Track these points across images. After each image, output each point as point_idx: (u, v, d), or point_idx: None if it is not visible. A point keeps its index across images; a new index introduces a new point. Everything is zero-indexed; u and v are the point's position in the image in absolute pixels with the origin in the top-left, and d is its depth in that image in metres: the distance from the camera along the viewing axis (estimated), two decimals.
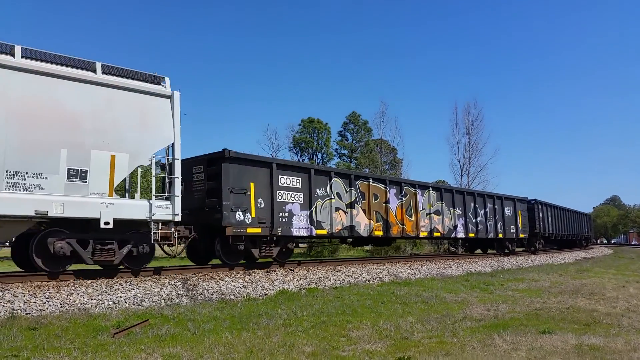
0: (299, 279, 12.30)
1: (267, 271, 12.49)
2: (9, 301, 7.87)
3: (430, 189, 18.88)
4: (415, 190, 18.03)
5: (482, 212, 22.18)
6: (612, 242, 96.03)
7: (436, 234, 18.88)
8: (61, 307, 8.06)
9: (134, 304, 8.78)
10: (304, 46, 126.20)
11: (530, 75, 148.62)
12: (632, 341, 6.18)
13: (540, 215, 28.80)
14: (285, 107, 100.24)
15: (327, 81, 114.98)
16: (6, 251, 31.07)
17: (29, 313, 7.66)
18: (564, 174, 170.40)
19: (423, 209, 18.35)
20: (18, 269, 10.63)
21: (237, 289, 10.57)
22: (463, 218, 20.66)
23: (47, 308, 7.93)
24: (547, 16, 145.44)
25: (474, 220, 21.43)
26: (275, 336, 6.43)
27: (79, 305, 8.24)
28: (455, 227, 20.09)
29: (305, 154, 50.10)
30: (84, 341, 6.07)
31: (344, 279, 13.13)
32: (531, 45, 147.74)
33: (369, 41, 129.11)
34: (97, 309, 8.21)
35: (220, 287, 10.44)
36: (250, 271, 12.28)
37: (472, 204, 21.45)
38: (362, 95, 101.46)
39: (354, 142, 54.58)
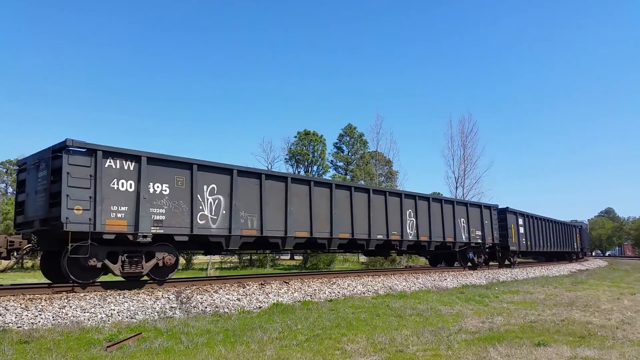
0: (293, 291, 12.24)
1: (261, 284, 12.43)
2: (0, 314, 7.78)
3: None
4: None
5: None
6: (607, 254, 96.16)
7: None
8: (53, 320, 7.98)
9: (127, 317, 8.70)
10: (300, 59, 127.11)
11: (525, 89, 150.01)
12: (626, 353, 6.19)
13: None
14: (281, 119, 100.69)
15: (323, 93, 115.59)
16: None
17: (20, 326, 7.58)
18: (558, 186, 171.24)
19: None
20: (9, 282, 10.54)
21: (231, 302, 10.51)
22: None
23: (39, 321, 7.85)
24: (542, 28, 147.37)
25: None
26: (269, 350, 6.39)
27: (71, 318, 8.16)
28: None
29: (301, 166, 50.22)
30: (76, 355, 6.01)
31: (339, 292, 13.08)
32: (527, 58, 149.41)
33: (365, 54, 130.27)
34: (89, 322, 8.14)
35: (214, 300, 10.37)
36: (245, 284, 12.21)
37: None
38: (358, 107, 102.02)
39: (349, 154, 54.86)
